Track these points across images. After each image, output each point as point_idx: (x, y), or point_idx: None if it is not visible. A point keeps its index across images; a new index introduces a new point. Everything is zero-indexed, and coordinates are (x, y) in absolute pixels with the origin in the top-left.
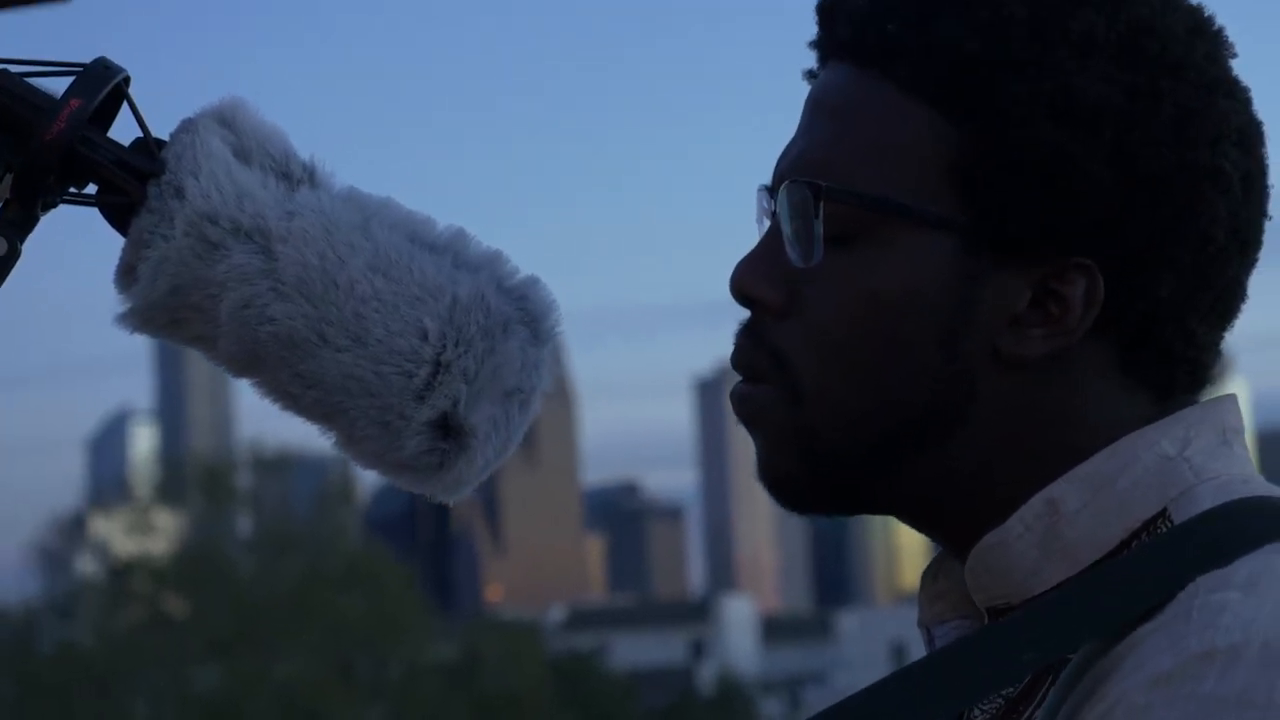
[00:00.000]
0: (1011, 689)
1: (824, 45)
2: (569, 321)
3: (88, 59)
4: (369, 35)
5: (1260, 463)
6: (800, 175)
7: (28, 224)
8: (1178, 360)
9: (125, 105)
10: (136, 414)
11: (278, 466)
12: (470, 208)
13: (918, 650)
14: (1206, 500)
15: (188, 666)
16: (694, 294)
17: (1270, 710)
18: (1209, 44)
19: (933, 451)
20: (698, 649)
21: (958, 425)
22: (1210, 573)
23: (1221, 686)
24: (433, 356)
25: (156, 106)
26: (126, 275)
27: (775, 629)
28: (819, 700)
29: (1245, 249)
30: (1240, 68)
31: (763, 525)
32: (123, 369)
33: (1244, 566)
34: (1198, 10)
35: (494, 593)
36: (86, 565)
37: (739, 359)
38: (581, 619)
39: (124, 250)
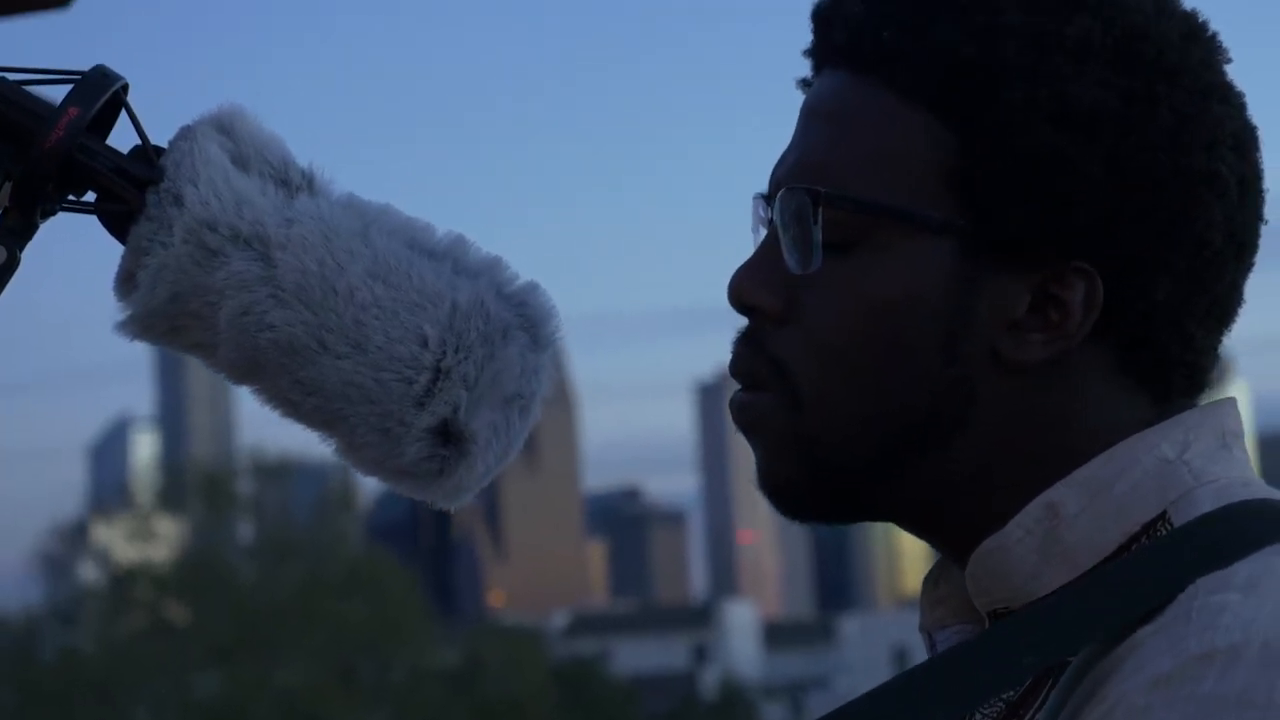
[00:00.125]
0: (1012, 693)
1: (819, 52)
2: (570, 325)
3: (86, 67)
4: (368, 38)
5: (1260, 466)
6: (797, 182)
7: (27, 232)
8: (1176, 364)
9: (124, 113)
10: (137, 421)
11: (279, 473)
12: (471, 211)
13: (919, 655)
14: (1206, 503)
15: (189, 673)
16: (695, 298)
17: (1270, 710)
18: (1204, 50)
19: (933, 456)
20: (700, 654)
21: (958, 430)
22: (1210, 574)
23: (1221, 686)
24: (433, 363)
25: (155, 114)
26: (126, 283)
27: (777, 634)
28: (821, 705)
29: (1241, 253)
30: (1234, 73)
31: (765, 530)
32: (124, 376)
33: (1244, 568)
34: (1192, 16)
35: (496, 598)
36: (88, 572)
37: (738, 367)
38: (583, 624)
39: (123, 258)
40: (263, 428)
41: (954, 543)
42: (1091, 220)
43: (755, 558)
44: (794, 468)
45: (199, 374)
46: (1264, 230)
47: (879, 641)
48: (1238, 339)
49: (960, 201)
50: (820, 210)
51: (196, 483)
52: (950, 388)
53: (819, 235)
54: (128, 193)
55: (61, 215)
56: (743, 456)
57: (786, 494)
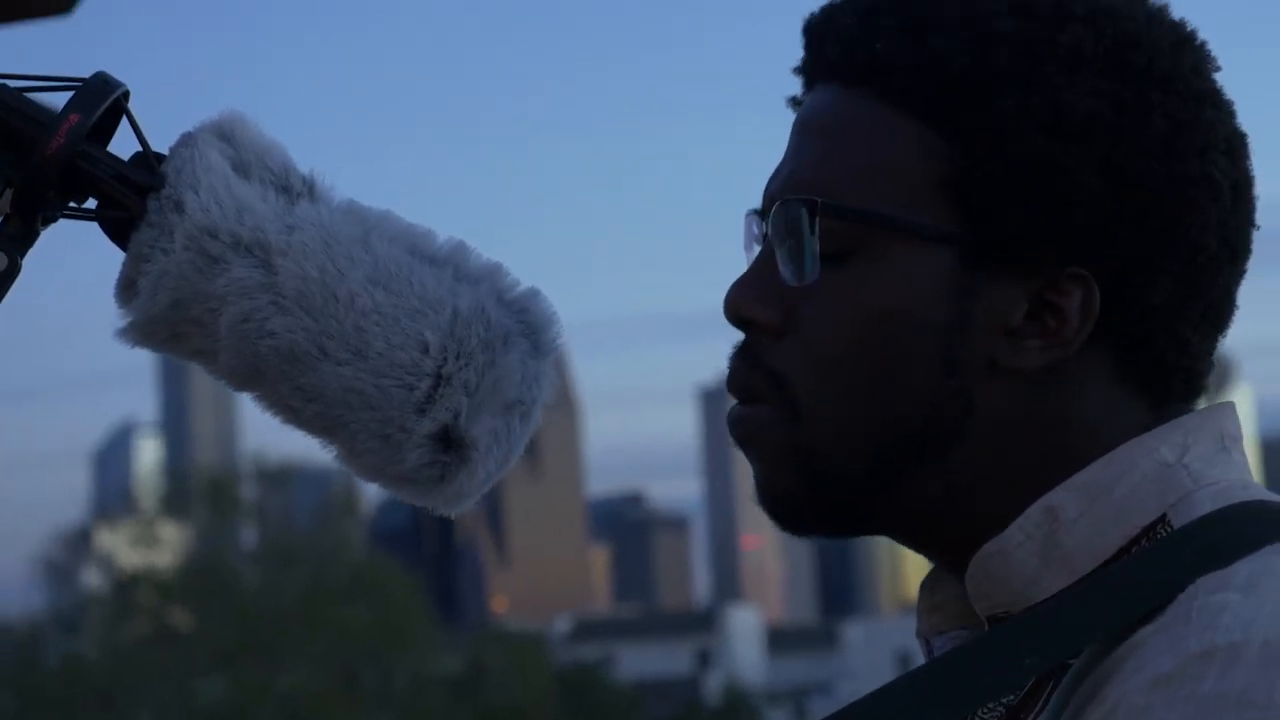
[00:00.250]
0: (1013, 696)
1: (810, 68)
2: (573, 331)
3: (87, 74)
4: (368, 42)
5: (1263, 470)
6: (793, 194)
7: (28, 239)
8: (1172, 369)
9: (125, 119)
10: (141, 427)
11: (282, 478)
12: (473, 215)
13: (922, 660)
14: (1205, 506)
15: (193, 678)
16: (699, 303)
17: (1270, 710)
18: (1194, 57)
19: (932, 464)
20: (703, 659)
21: (957, 438)
22: (1210, 574)
23: (1221, 686)
24: (433, 369)
25: (156, 121)
26: (127, 290)
27: (781, 639)
28: (824, 710)
29: (1235, 258)
30: (1221, 81)
31: (768, 535)
32: (127, 382)
33: (1244, 568)
34: (1181, 25)
35: (499, 604)
36: (91, 578)
37: (735, 381)
38: (587, 630)
39: (124, 265)
40: (266, 433)
41: (952, 551)
42: (1087, 226)
43: (759, 563)
44: (792, 479)
45: (202, 380)
46: (1265, 235)
47: (882, 647)
48: (1241, 343)
49: (955, 210)
50: (817, 221)
51: (200, 488)
52: (949, 396)
53: (816, 246)
54: (129, 199)
55: (63, 222)
56: (746, 462)
57: (784, 506)
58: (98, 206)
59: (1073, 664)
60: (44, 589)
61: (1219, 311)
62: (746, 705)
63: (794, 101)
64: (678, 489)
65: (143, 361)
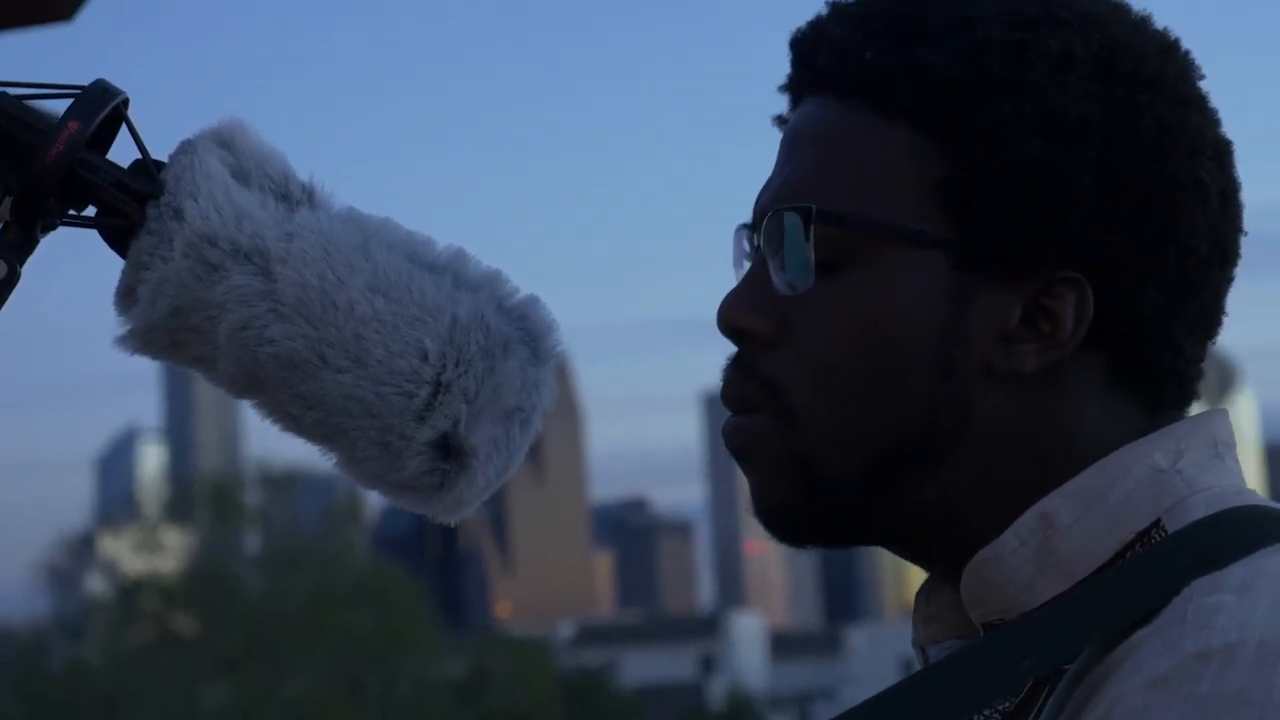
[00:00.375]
0: (1008, 703)
1: (799, 81)
2: (576, 336)
3: (86, 81)
4: (366, 53)
5: (1266, 475)
6: (786, 203)
7: (28, 246)
8: (1165, 374)
9: (124, 127)
10: (144, 433)
11: (285, 484)
12: (474, 220)
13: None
14: (1199, 510)
15: (196, 684)
16: (702, 308)
17: (1267, 709)
18: (1179, 64)
19: (928, 470)
20: (707, 665)
21: (953, 443)
22: (1205, 577)
23: (1218, 686)
24: (433, 377)
25: (155, 128)
26: (126, 297)
27: (784, 644)
28: (828, 716)
29: (1225, 262)
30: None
31: (772, 541)
32: (130, 388)
33: (1238, 570)
34: (1166, 34)
35: (503, 609)
36: (95, 584)
37: (729, 392)
38: (590, 635)
39: (123, 272)
40: (269, 439)
41: (947, 558)
42: (1080, 230)
43: (762, 568)
44: (787, 490)
45: (206, 386)
46: (1268, 241)
47: (886, 652)
48: (1244, 348)
49: (949, 216)
50: (812, 228)
51: (203, 494)
52: (944, 401)
53: (811, 253)
54: (128, 207)
55: (62, 229)
56: None
57: (780, 517)
58: (97, 214)
59: (1069, 668)
60: (48, 595)
61: (1210, 317)
62: (750, 711)
63: (780, 120)
64: (681, 494)
65: (146, 368)
